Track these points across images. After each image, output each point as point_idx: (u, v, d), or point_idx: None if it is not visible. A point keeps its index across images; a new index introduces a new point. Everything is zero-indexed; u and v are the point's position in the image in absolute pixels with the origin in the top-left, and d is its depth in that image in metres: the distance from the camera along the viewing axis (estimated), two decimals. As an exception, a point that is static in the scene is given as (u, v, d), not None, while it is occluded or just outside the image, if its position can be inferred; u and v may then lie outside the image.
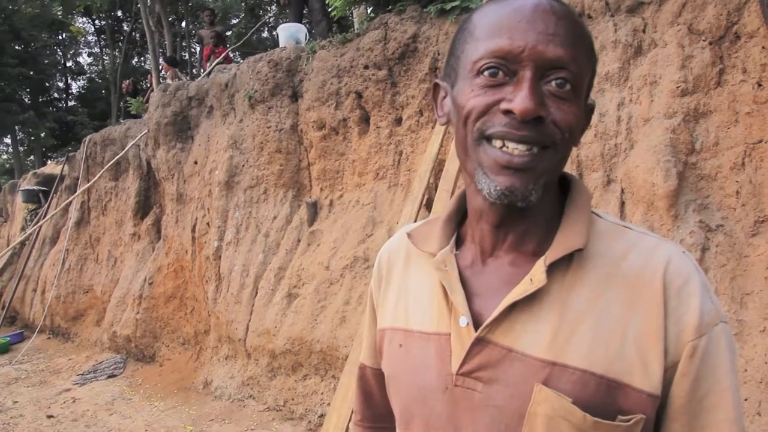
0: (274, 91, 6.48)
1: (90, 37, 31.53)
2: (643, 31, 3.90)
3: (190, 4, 22.93)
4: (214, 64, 10.54)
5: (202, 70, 12.01)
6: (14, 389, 7.67)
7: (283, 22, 8.71)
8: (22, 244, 12.12)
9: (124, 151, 9.54)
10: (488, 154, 0.82)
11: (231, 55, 12.76)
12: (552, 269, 0.84)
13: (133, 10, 24.67)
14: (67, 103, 30.99)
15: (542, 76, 0.81)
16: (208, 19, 13.08)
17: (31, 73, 25.46)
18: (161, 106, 7.99)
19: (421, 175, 4.68)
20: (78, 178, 10.95)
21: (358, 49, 5.70)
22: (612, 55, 4.01)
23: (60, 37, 29.51)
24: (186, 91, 7.93)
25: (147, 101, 10.91)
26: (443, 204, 4.18)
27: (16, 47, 24.24)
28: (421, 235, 1.03)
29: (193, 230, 7.41)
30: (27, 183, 13.90)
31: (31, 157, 29.31)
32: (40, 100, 28.49)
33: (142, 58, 30.55)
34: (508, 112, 0.80)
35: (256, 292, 6.13)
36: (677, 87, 3.58)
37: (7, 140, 30.45)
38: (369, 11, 7.21)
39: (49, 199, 12.15)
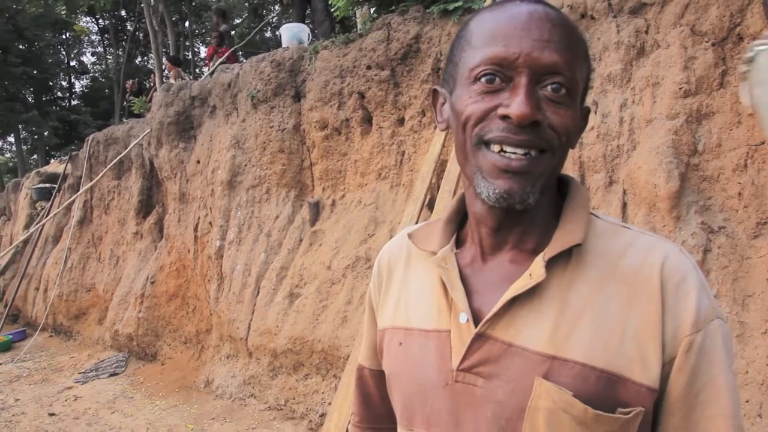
0: (277, 91, 6.49)
1: (93, 37, 31.63)
2: (646, 32, 3.90)
3: (193, 4, 22.97)
4: (217, 63, 10.55)
5: (206, 69, 12.01)
6: (16, 387, 7.68)
7: (286, 22, 8.71)
8: (25, 242, 12.15)
9: (126, 151, 9.55)
10: (487, 159, 0.84)
11: (238, 54, 12.77)
12: (551, 265, 0.86)
13: (137, 10, 24.70)
14: (70, 103, 31.03)
15: (538, 81, 0.83)
16: (218, 18, 13.12)
17: (35, 72, 25.49)
18: (164, 105, 8.00)
19: (423, 175, 4.68)
20: (81, 177, 10.97)
21: (361, 50, 5.70)
22: (614, 56, 4.01)
23: (63, 37, 29.55)
24: (189, 90, 7.95)
25: (150, 101, 10.93)
26: (445, 204, 4.19)
27: (20, 46, 24.28)
28: (422, 235, 1.05)
29: (196, 229, 7.42)
30: (31, 182, 13.92)
31: (35, 156, 29.38)
32: (44, 99, 28.53)
33: (145, 58, 30.61)
34: (505, 117, 0.82)
35: (258, 292, 6.14)
36: (680, 88, 3.58)
37: (11, 139, 30.52)
38: (372, 11, 7.22)
39: (52, 197, 12.16)
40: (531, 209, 0.87)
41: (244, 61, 8.29)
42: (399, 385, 0.98)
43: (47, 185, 12.24)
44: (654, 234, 0.91)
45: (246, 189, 6.73)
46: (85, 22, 29.52)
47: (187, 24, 24.89)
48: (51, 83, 29.40)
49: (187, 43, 25.13)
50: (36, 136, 28.22)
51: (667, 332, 0.81)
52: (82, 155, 11.22)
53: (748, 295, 3.16)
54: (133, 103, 11.99)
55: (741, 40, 3.48)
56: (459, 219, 1.03)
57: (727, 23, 3.50)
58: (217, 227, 6.93)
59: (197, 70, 22.56)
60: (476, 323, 0.88)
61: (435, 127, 5.15)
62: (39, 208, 13.15)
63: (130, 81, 15.29)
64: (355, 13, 7.73)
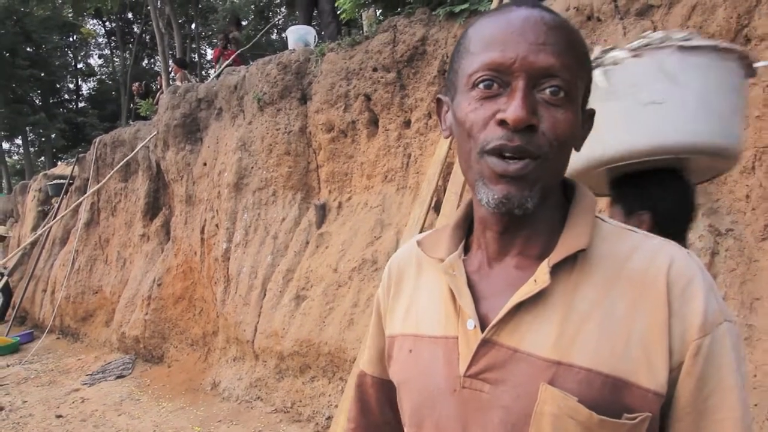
0: (283, 93, 6.50)
1: (100, 39, 31.69)
2: (653, 34, 3.89)
3: (200, 6, 23.01)
4: (223, 66, 10.58)
5: (212, 72, 12.05)
6: (24, 389, 7.71)
7: (293, 25, 8.73)
8: (33, 244, 12.20)
9: (133, 153, 9.59)
10: (488, 165, 0.84)
11: (247, 55, 12.81)
12: (557, 271, 0.86)
13: (144, 12, 24.76)
14: (77, 105, 31.12)
15: (535, 85, 0.83)
16: (233, 25, 13.19)
17: (42, 74, 25.59)
18: (171, 108, 8.02)
19: (430, 177, 4.68)
20: (88, 180, 11.01)
21: (367, 52, 5.70)
22: (621, 58, 4.01)
23: (71, 39, 29.64)
24: (195, 93, 7.97)
25: (156, 103, 10.96)
26: (451, 206, 4.18)
27: (28, 49, 24.36)
28: (431, 242, 1.05)
29: (202, 232, 7.44)
30: (38, 184, 13.98)
31: (42, 159, 29.46)
32: (51, 101, 28.62)
33: (152, 60, 30.67)
34: (502, 122, 0.82)
35: (265, 294, 6.15)
36: (687, 90, 3.57)
37: (18, 141, 30.65)
38: (378, 14, 7.22)
39: (60, 200, 12.21)
40: (535, 213, 0.88)
41: (251, 63, 8.31)
42: (409, 392, 0.98)
43: (62, 181, 12.27)
44: (660, 237, 0.91)
45: (252, 191, 6.74)
46: (92, 24, 29.62)
47: (193, 26, 24.92)
48: (58, 86, 29.51)
49: (194, 46, 25.16)
50: (43, 139, 28.30)
51: (674, 336, 0.80)
52: (89, 157, 11.27)
53: (756, 298, 3.14)
54: (140, 105, 12.03)
55: (748, 42, 3.47)
56: (467, 225, 1.04)
57: (735, 25, 3.49)
58: (223, 229, 6.94)
59: (203, 73, 22.59)
60: (483, 329, 0.88)
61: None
62: (48, 208, 13.20)
63: (137, 84, 15.33)
64: (361, 16, 7.74)
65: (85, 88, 33.17)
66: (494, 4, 4.87)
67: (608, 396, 0.79)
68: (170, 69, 13.83)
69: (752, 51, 3.42)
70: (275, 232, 6.40)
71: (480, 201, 0.87)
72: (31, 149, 29.63)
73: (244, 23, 20.48)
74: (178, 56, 15.97)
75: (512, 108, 0.81)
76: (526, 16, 0.85)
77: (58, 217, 11.50)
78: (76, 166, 11.94)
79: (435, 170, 4.65)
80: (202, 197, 7.61)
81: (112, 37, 30.01)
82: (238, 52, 12.20)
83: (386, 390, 1.13)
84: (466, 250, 1.01)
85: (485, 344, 0.87)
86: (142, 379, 7.57)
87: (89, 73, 32.64)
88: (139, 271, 8.85)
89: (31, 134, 28.49)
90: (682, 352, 0.80)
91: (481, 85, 0.85)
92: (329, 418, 4.99)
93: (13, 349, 10.14)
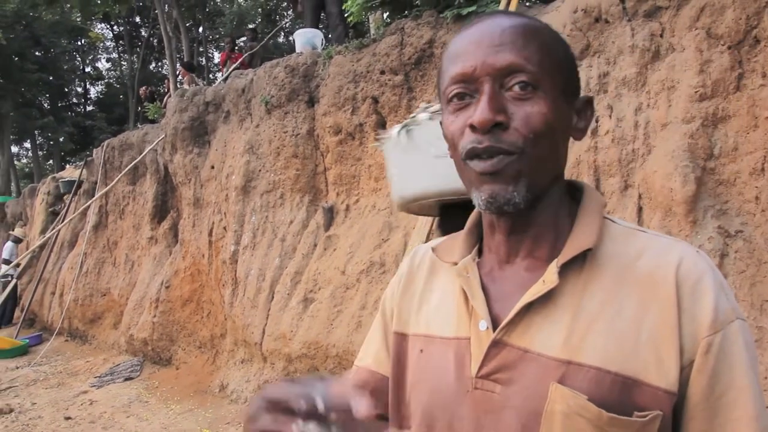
0: (291, 96, 6.51)
1: (108, 43, 31.87)
2: (661, 36, 3.88)
3: (207, 10, 23.10)
4: (231, 69, 10.61)
5: (219, 75, 12.07)
6: (33, 391, 7.75)
7: (300, 28, 8.74)
8: (42, 247, 12.25)
9: (141, 156, 9.62)
10: (471, 169, 0.87)
11: (252, 57, 12.83)
12: (565, 271, 0.86)
13: (151, 16, 24.89)
14: (85, 108, 31.31)
15: (502, 85, 0.85)
16: (250, 36, 13.22)
17: (51, 78, 25.76)
18: (178, 111, 8.05)
19: (438, 180, 4.67)
20: (96, 183, 11.05)
21: (375, 55, 5.71)
22: (629, 59, 4.00)
23: (79, 43, 29.82)
24: (203, 96, 7.99)
25: (164, 106, 11.00)
26: (459, 209, 4.18)
27: (36, 53, 24.53)
28: (445, 248, 1.06)
29: (210, 234, 7.45)
30: (47, 187, 14.04)
31: (50, 162, 29.62)
32: (59, 105, 28.78)
33: (159, 64, 30.82)
34: (472, 127, 0.85)
35: (273, 297, 6.15)
36: (695, 92, 3.56)
37: (27, 145, 30.81)
38: (385, 17, 7.23)
39: (68, 203, 12.26)
40: (537, 212, 0.90)
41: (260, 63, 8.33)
42: (420, 393, 0.98)
43: (74, 178, 12.34)
44: (670, 236, 0.91)
45: (260, 194, 6.75)
46: (100, 28, 29.77)
47: (200, 30, 25.02)
48: (66, 89, 29.69)
49: (201, 49, 25.27)
50: (52, 142, 28.49)
51: (685, 334, 0.80)
52: (97, 161, 11.31)
53: (766, 300, 3.13)
54: (148, 108, 12.07)
55: (758, 43, 3.45)
56: (479, 230, 1.04)
57: (744, 26, 3.47)
58: (231, 232, 6.95)
59: (211, 76, 22.67)
60: (495, 330, 0.88)
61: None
62: (59, 207, 13.25)
63: (144, 87, 15.40)
64: (368, 18, 7.74)
65: (93, 91, 33.42)
66: (502, 5, 4.88)
67: (618, 395, 0.79)
68: (178, 72, 13.88)
69: (761, 53, 3.41)
70: (283, 235, 6.41)
71: (477, 206, 0.89)
72: (40, 152, 29.80)
73: (250, 26, 20.56)
74: (185, 60, 16.03)
75: (478, 111, 0.84)
76: (483, 25, 0.89)
77: (66, 220, 11.55)
78: (84, 170, 11.99)
79: (443, 172, 4.64)
80: (210, 200, 7.63)
81: (120, 41, 30.15)
82: (246, 54, 12.23)
83: (373, 378, 1.12)
84: (480, 254, 1.02)
85: (496, 345, 0.87)
86: (151, 382, 7.59)
87: (97, 76, 32.84)
88: (147, 274, 8.88)
89: (39, 138, 28.67)
90: (693, 350, 0.80)
91: (454, 99, 0.89)
92: (337, 420, 4.98)
93: (22, 351, 10.19)
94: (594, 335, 0.82)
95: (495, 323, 0.89)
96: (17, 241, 13.05)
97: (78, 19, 25.18)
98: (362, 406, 0.72)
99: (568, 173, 4.10)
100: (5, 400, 7.35)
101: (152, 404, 6.72)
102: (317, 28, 8.40)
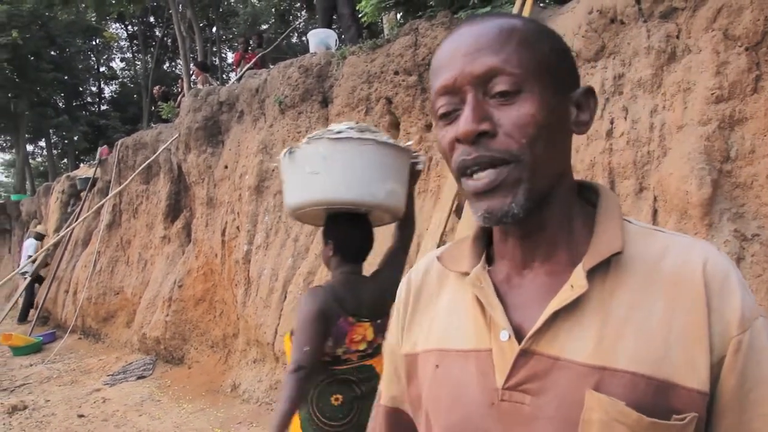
0: (305, 96, 6.52)
1: (123, 43, 32.05)
2: (677, 37, 3.85)
3: (220, 10, 23.18)
4: (244, 69, 10.64)
5: (233, 75, 12.12)
6: (46, 388, 7.81)
7: (313, 28, 8.76)
8: (56, 245, 12.33)
9: (155, 155, 9.66)
10: (465, 185, 0.86)
11: (264, 59, 12.87)
12: (591, 275, 0.84)
13: (165, 16, 24.99)
14: (99, 108, 31.48)
15: (485, 92, 0.83)
16: (257, 41, 13.28)
17: (66, 78, 25.94)
18: (192, 110, 8.08)
19: (451, 181, 4.66)
20: (110, 182, 11.11)
21: (389, 55, 5.71)
22: (645, 61, 3.97)
23: (94, 43, 30.00)
24: (217, 96, 8.01)
25: (178, 106, 11.04)
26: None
27: (52, 53, 24.70)
28: (451, 256, 1.03)
29: (223, 234, 7.47)
30: (61, 185, 14.14)
31: (65, 161, 29.82)
32: (74, 104, 28.99)
33: (173, 63, 30.93)
34: (459, 141, 0.83)
35: (285, 297, 6.16)
36: (712, 94, 3.53)
37: (42, 143, 31.02)
38: (399, 17, 7.23)
39: (82, 201, 12.34)
40: (545, 216, 0.89)
41: (271, 66, 8.34)
42: (438, 411, 0.95)
43: (90, 176, 12.41)
44: (687, 235, 0.90)
45: (273, 194, 6.76)
46: (114, 28, 29.93)
47: (214, 30, 25.11)
48: (81, 89, 29.88)
49: (215, 49, 25.35)
50: (66, 141, 28.68)
51: (715, 334, 0.79)
52: (111, 160, 11.37)
53: (783, 304, 3.10)
54: (162, 108, 12.12)
55: (776, 45, 3.42)
56: (486, 236, 1.02)
57: (762, 27, 3.44)
58: (244, 232, 6.97)
59: (224, 76, 22.76)
60: (518, 339, 0.86)
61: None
62: (74, 203, 13.32)
63: (157, 87, 15.47)
64: (382, 19, 7.74)
65: (108, 91, 33.60)
66: (516, 7, 4.86)
67: (654, 398, 0.78)
68: (192, 72, 13.94)
69: None
70: (296, 235, 6.42)
71: (476, 220, 0.88)
72: (54, 151, 29.98)
73: (264, 27, 20.61)
74: (199, 59, 16.09)
75: (461, 123, 0.82)
76: (459, 34, 0.87)
77: (80, 219, 11.62)
78: (98, 168, 12.06)
79: (456, 174, 4.63)
80: (223, 200, 7.65)
81: (134, 41, 30.33)
82: (260, 54, 12.26)
83: (394, 419, 1.10)
84: (489, 261, 0.99)
85: (524, 354, 0.85)
86: (163, 380, 7.62)
87: (111, 76, 33.03)
88: (160, 273, 8.92)
89: (54, 137, 28.86)
90: (723, 349, 0.79)
91: (441, 113, 0.88)
92: (349, 421, 4.99)
93: (36, 348, 10.27)
94: (625, 339, 0.81)
95: (517, 332, 0.87)
96: (39, 237, 13.06)
97: (93, 19, 25.34)
98: None
99: (582, 175, 4.09)
100: (20, 396, 7.41)
101: (164, 403, 6.75)
102: (330, 28, 8.40)
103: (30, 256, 12.41)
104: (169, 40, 27.71)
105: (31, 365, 9.25)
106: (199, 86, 10.18)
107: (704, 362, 0.79)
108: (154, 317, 8.44)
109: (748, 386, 0.80)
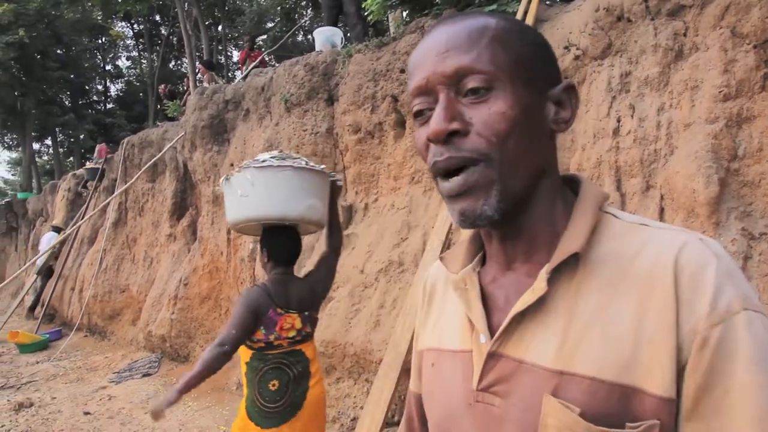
0: (310, 94, 6.52)
1: (128, 41, 32.03)
2: (684, 35, 3.83)
3: (226, 9, 23.19)
4: (250, 67, 10.64)
5: (239, 73, 12.13)
6: (53, 385, 7.83)
7: (319, 26, 8.75)
8: (62, 243, 12.36)
9: (161, 154, 9.68)
10: (441, 187, 0.85)
11: (266, 59, 12.88)
12: (558, 276, 0.82)
13: (171, 15, 25.03)
14: (105, 106, 31.52)
15: (457, 91, 0.82)
16: (248, 45, 13.30)
17: (72, 76, 25.96)
18: (198, 109, 8.09)
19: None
20: (116, 180, 11.14)
21: (395, 53, 5.70)
22: (652, 59, 3.95)
23: (100, 41, 30.02)
24: (223, 94, 8.02)
25: (184, 104, 11.06)
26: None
27: (58, 51, 24.75)
28: (451, 257, 1.04)
29: (229, 232, 7.48)
30: (67, 183, 14.18)
31: (71, 159, 29.88)
32: (80, 102, 29.01)
33: (179, 62, 30.96)
34: (431, 140, 0.83)
35: (291, 295, 6.15)
36: (719, 92, 3.51)
37: (48, 142, 31.10)
38: (405, 15, 7.22)
39: (88, 200, 12.37)
40: (526, 214, 0.87)
41: (276, 65, 8.35)
42: (431, 406, 0.99)
43: (97, 166, 12.42)
44: (676, 227, 0.83)
45: (279, 192, 6.75)
46: (120, 27, 29.96)
47: (220, 28, 25.12)
48: (87, 87, 29.90)
49: (221, 47, 25.37)
50: (72, 139, 28.74)
51: (683, 330, 0.73)
52: (116, 158, 11.40)
53: (791, 304, 3.08)
54: (167, 106, 12.14)
55: (784, 43, 3.41)
56: (482, 237, 1.01)
57: (770, 25, 3.43)
58: (249, 230, 6.97)
59: (230, 74, 22.79)
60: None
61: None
62: (84, 193, 13.31)
63: (163, 85, 15.49)
64: (387, 17, 7.73)
65: (113, 89, 33.62)
66: (522, 5, 4.85)
67: (615, 405, 0.74)
68: (197, 70, 13.95)
69: None
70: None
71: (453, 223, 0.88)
72: (60, 150, 30.06)
73: (270, 25, 20.61)
74: (205, 58, 16.11)
75: (432, 123, 0.81)
76: (431, 35, 0.86)
77: (86, 217, 11.65)
78: (104, 167, 12.09)
79: (462, 172, 4.62)
80: (229, 198, 7.65)
81: (140, 39, 30.32)
82: (265, 53, 12.26)
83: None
84: (485, 261, 0.99)
85: (492, 357, 0.85)
86: (168, 378, 7.64)
87: (117, 74, 33.06)
88: (165, 271, 8.93)
89: (60, 135, 28.95)
90: (689, 347, 0.73)
91: (416, 112, 0.87)
92: (354, 419, 4.99)
93: (42, 346, 10.30)
94: (588, 343, 0.78)
95: (494, 334, 0.87)
96: (58, 230, 13.00)
97: (99, 18, 25.39)
98: None
99: (588, 174, 4.08)
100: (26, 394, 7.44)
101: (170, 400, 6.75)
102: (336, 26, 8.40)
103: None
104: (175, 39, 27.75)
105: (38, 363, 9.28)
106: (205, 84, 10.19)
107: (669, 364, 0.73)
108: (159, 315, 8.45)
109: (719, 391, 0.71)
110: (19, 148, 30.59)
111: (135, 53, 32.90)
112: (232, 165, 7.66)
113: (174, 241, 9.18)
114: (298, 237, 3.39)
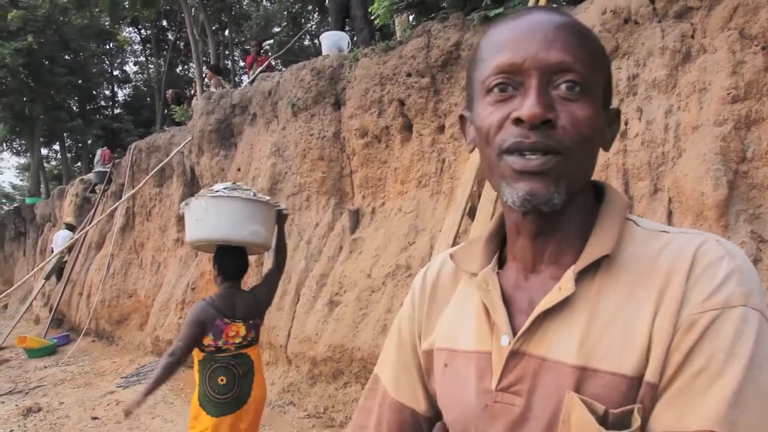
0: (317, 98, 6.52)
1: (136, 47, 32.18)
2: (692, 37, 3.81)
3: (233, 14, 23.26)
4: (257, 71, 10.66)
5: (245, 78, 12.14)
6: (60, 390, 7.84)
7: (326, 31, 8.76)
8: (70, 248, 12.39)
9: (168, 158, 9.69)
10: (508, 164, 0.83)
11: (273, 63, 12.90)
12: (581, 277, 0.83)
13: (178, 20, 25.13)
14: (113, 111, 31.68)
15: (549, 82, 0.82)
16: (255, 49, 13.32)
17: (80, 81, 26.10)
18: (205, 113, 8.10)
19: (465, 183, 4.64)
20: (123, 185, 11.17)
21: (401, 57, 5.70)
22: (659, 61, 3.94)
23: (107, 47, 30.18)
24: (230, 98, 8.04)
25: (191, 109, 11.08)
26: (486, 213, 4.15)
27: (66, 57, 24.89)
28: (464, 255, 1.03)
29: (236, 236, 7.48)
30: (75, 188, 14.22)
31: (79, 164, 30.01)
32: (88, 107, 29.17)
33: (186, 67, 31.09)
34: (518, 121, 0.81)
35: (298, 299, 6.16)
36: (728, 94, 3.49)
37: (56, 147, 31.26)
38: (411, 19, 7.21)
39: (95, 205, 12.40)
40: (565, 215, 0.87)
41: (283, 69, 8.35)
42: (446, 408, 0.98)
43: (105, 169, 12.44)
44: (696, 231, 0.84)
45: (286, 196, 6.77)
46: (128, 32, 30.09)
47: (227, 33, 25.21)
48: (95, 92, 30.09)
49: (227, 52, 25.45)
50: (80, 144, 28.88)
51: (681, 317, 0.74)
52: (124, 163, 11.43)
53: (801, 307, 3.05)
54: (175, 111, 12.17)
55: (792, 44, 3.39)
56: (499, 238, 1.02)
57: (778, 27, 3.41)
58: (256, 234, 6.97)
59: (237, 79, 22.85)
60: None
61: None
62: (92, 197, 13.32)
63: (170, 90, 15.54)
64: (394, 21, 7.74)
65: (121, 94, 33.82)
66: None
67: (635, 399, 0.75)
68: (204, 75, 13.99)
69: None
70: (309, 237, 6.42)
71: (506, 202, 0.85)
72: (68, 155, 30.20)
73: (276, 29, 20.66)
74: (212, 63, 16.14)
75: (527, 104, 0.80)
76: (534, 18, 0.86)
77: (94, 222, 11.68)
78: (111, 172, 12.12)
79: (470, 175, 4.61)
80: (236, 202, 7.66)
81: (148, 45, 30.45)
82: (272, 57, 12.28)
83: (400, 415, 1.06)
84: (502, 263, 0.99)
85: (514, 355, 0.85)
86: (176, 383, 7.62)
87: (125, 79, 33.23)
88: (173, 276, 8.94)
89: (68, 140, 29.09)
90: (678, 330, 0.74)
91: (495, 89, 0.85)
92: (362, 423, 4.97)
93: (50, 351, 10.33)
94: (609, 339, 0.78)
95: (516, 335, 0.87)
96: (71, 228, 12.99)
97: (107, 23, 25.51)
98: None
99: (597, 176, 4.06)
100: (34, 399, 7.45)
101: (177, 405, 6.75)
102: (342, 31, 8.40)
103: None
104: (182, 44, 27.85)
105: (46, 367, 9.30)
106: (212, 89, 10.21)
107: (663, 348, 0.74)
108: (167, 320, 8.45)
109: (695, 368, 0.71)
110: (28, 154, 30.76)
111: (142, 58, 33.06)
112: (239, 170, 7.67)
113: (181, 245, 9.18)
114: (246, 256, 3.87)
